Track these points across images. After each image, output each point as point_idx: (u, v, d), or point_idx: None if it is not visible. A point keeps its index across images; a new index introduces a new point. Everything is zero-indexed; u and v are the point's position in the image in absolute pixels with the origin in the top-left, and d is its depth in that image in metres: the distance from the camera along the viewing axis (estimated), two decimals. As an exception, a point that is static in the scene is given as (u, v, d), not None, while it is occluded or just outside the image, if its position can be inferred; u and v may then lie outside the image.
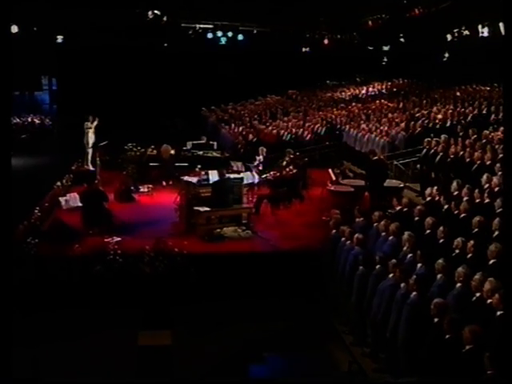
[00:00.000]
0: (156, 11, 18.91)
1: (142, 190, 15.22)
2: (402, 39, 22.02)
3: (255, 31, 21.77)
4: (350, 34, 22.20)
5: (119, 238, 11.15)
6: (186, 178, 12.18)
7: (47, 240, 10.78)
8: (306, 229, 12.08)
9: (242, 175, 12.94)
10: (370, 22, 20.33)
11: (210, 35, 21.46)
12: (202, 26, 21.22)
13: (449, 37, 19.56)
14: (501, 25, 15.50)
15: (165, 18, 19.35)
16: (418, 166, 14.01)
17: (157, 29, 20.64)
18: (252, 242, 11.46)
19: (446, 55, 25.67)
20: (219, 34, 21.23)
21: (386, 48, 28.23)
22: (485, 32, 17.03)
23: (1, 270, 4.51)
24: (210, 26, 21.24)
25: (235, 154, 18.16)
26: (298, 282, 10.43)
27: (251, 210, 12.07)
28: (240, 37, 21.65)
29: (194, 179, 11.97)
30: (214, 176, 11.85)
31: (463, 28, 18.15)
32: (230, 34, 21.32)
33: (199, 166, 12.90)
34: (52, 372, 8.21)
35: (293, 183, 13.14)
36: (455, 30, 18.65)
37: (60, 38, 27.70)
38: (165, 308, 10.02)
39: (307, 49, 27.32)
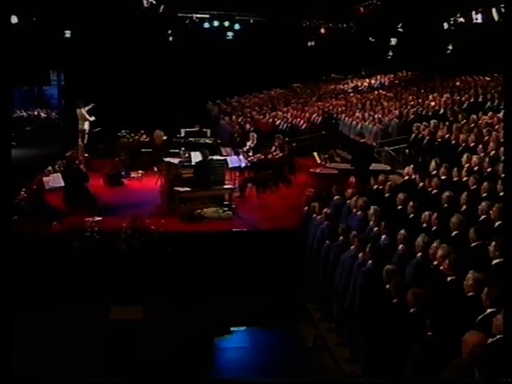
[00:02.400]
0: (152, 0, 18.97)
1: (132, 175, 15.28)
2: (400, 29, 21.80)
3: (252, 21, 21.73)
4: (347, 24, 22.06)
5: (100, 218, 11.21)
6: (167, 159, 12.18)
7: (28, 218, 10.87)
8: (288, 211, 12.00)
9: (227, 158, 12.91)
10: (361, 9, 20.20)
11: (206, 25, 21.49)
12: (198, 15, 21.25)
13: (445, 25, 19.36)
14: (493, 10, 15.32)
15: (161, 8, 19.38)
16: (407, 150, 13.90)
17: (153, 19, 20.69)
18: (231, 222, 11.43)
19: (450, 47, 25.41)
20: (216, 23, 21.24)
21: (393, 42, 28.20)
22: (479, 18, 16.82)
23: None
24: (207, 16, 21.27)
25: (232, 143, 18.13)
26: (274, 261, 10.38)
27: (232, 191, 12.04)
28: (237, 26, 21.65)
29: (176, 160, 11.98)
30: (196, 157, 11.85)
31: (458, 15, 17.95)
32: (226, 23, 21.31)
33: (183, 149, 12.89)
34: (20, 346, 8.28)
35: (278, 167, 13.09)
36: (451, 19, 18.44)
37: (68, 33, 27.93)
38: (139, 285, 10.08)
39: (312, 43, 27.31)
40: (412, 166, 10.24)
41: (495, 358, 4.74)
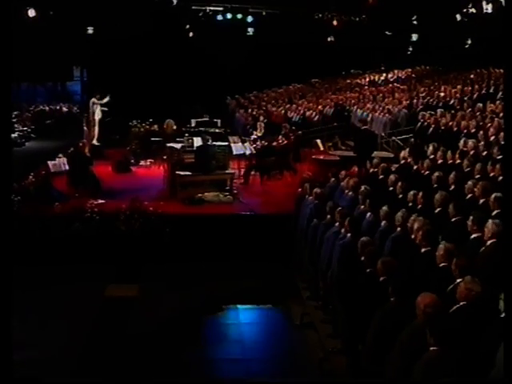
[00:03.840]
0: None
1: (141, 163, 15.50)
2: (414, 21, 21.63)
3: (264, 13, 21.83)
4: (359, 16, 21.99)
5: (103, 201, 11.44)
6: (170, 144, 12.35)
7: (32, 199, 11.14)
8: (289, 198, 12.04)
9: (231, 145, 13.03)
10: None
11: (219, 17, 21.66)
12: (212, 8, 21.42)
13: (458, 17, 19.18)
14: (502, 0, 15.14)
15: (175, 1, 19.59)
16: (412, 139, 13.86)
17: (167, 11, 20.93)
18: (231, 206, 11.55)
19: (469, 42, 25.18)
20: (228, 16, 21.40)
21: (414, 38, 28.06)
22: (489, 8, 16.62)
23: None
24: (221, 9, 21.44)
25: (245, 134, 18.26)
26: (270, 244, 10.45)
27: (233, 175, 12.15)
28: (249, 19, 21.78)
29: (178, 145, 12.14)
30: (198, 143, 12.00)
31: (470, 6, 17.74)
32: (239, 15, 21.45)
33: (186, 135, 13.06)
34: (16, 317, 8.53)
35: (281, 154, 13.15)
36: (464, 10, 18.26)
37: (90, 30, 28.42)
38: (137, 265, 10.26)
39: (332, 38, 27.33)
40: (408, 149, 10.21)
41: (457, 325, 4.78)
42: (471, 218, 6.33)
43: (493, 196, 6.89)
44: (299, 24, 22.37)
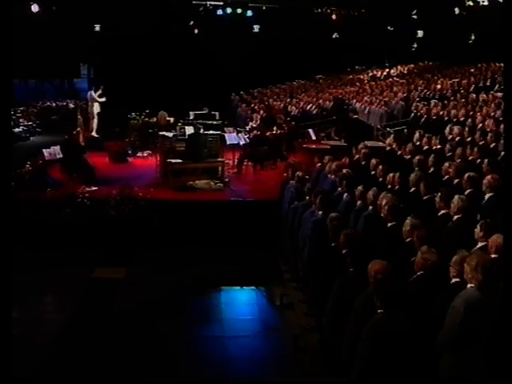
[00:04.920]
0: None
1: (139, 154, 15.69)
2: (414, 16, 21.65)
3: (264, 7, 21.96)
4: (358, 11, 22.06)
5: (95, 188, 11.63)
6: (162, 133, 12.52)
7: (27, 186, 11.35)
8: (279, 185, 12.16)
9: (224, 135, 13.18)
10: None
11: (219, 12, 21.82)
12: (212, 2, 21.60)
13: (457, 10, 19.18)
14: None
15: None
16: (405, 130, 13.93)
17: (167, 7, 21.12)
18: (221, 193, 11.69)
19: (473, 37, 25.19)
20: (228, 10, 21.56)
21: (419, 34, 28.10)
22: (485, 1, 16.62)
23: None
24: (221, 3, 21.60)
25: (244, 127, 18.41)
26: (258, 230, 10.57)
27: (224, 163, 12.29)
28: (249, 13, 21.93)
29: (170, 134, 12.31)
30: (190, 131, 12.15)
31: None
32: (239, 10, 21.60)
33: (180, 124, 13.22)
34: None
35: (274, 144, 13.27)
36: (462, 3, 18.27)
37: (97, 27, 28.74)
38: (126, 249, 10.41)
39: (337, 35, 27.43)
40: (392, 136, 10.31)
41: (415, 296, 4.89)
42: (439, 194, 6.43)
43: (466, 176, 6.98)
44: (303, 20, 22.50)
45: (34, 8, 20.18)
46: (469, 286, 4.33)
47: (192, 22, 25.38)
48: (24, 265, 9.66)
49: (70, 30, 26.56)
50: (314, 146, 12.99)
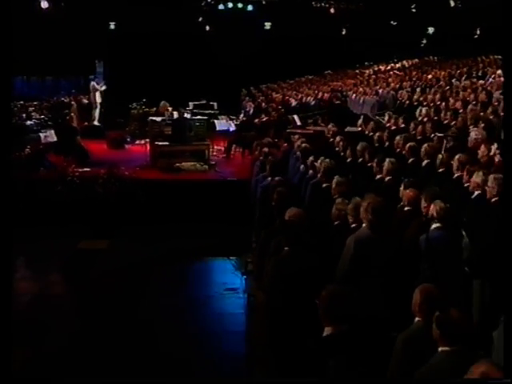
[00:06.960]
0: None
1: (137, 142, 16.33)
2: (413, 9, 21.95)
3: (264, 2, 22.51)
4: (356, 4, 22.44)
5: (88, 169, 12.31)
6: (152, 118, 13.14)
7: (23, 167, 12.05)
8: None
9: (214, 121, 13.77)
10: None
11: (221, 6, 22.43)
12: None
13: (452, 3, 19.45)
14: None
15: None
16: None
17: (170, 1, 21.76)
18: (205, 174, 12.28)
19: (478, 32, 25.42)
20: (230, 5, 22.16)
21: (430, 31, 28.39)
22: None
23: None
24: (222, -3, 22.22)
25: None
26: (238, 207, 11.09)
27: (209, 145, 12.87)
28: (249, 7, 22.50)
29: (159, 118, 12.93)
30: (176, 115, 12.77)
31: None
32: (240, 5, 22.18)
33: (170, 108, 13.82)
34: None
35: (261, 129, 13.79)
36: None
37: (112, 25, 29.63)
38: (111, 225, 11.05)
39: (344, 31, 27.92)
40: (362, 117, 10.79)
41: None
42: (375, 160, 6.91)
43: (407, 145, 7.45)
44: (312, 16, 22.96)
45: (44, 4, 21.01)
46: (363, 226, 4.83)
47: (201, 19, 26.13)
48: (15, 238, 10.42)
49: (85, 27, 27.38)
50: (298, 131, 13.45)
